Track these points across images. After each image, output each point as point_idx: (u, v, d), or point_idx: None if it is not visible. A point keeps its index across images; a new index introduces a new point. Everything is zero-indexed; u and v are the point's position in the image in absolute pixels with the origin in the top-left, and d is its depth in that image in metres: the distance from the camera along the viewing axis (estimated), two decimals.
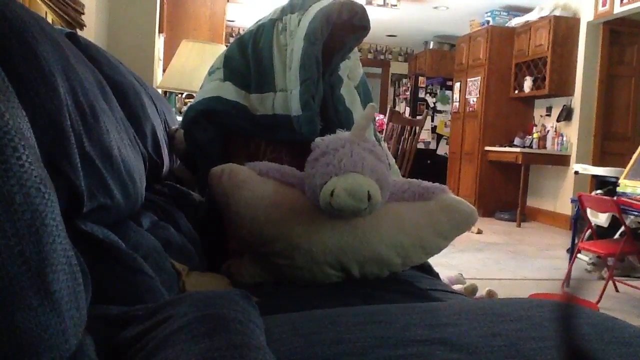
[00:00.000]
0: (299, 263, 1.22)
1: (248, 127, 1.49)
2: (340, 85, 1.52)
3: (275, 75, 1.48)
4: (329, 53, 1.47)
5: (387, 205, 1.25)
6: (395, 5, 6.59)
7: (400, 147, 4.31)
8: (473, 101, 7.31)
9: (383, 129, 4.39)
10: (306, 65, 1.39)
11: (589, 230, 3.64)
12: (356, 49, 1.60)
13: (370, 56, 10.15)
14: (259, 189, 1.28)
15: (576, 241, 3.69)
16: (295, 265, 1.23)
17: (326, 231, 1.21)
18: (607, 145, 6.21)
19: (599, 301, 3.15)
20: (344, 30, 1.47)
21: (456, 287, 3.02)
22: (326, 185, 1.12)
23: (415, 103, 9.01)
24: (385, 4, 6.52)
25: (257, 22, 1.61)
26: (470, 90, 7.39)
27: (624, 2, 5.48)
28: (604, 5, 5.80)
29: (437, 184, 1.34)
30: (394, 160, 1.72)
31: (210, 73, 1.60)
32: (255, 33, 1.56)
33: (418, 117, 5.12)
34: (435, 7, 7.33)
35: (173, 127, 1.96)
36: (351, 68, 1.59)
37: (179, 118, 3.01)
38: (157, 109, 1.78)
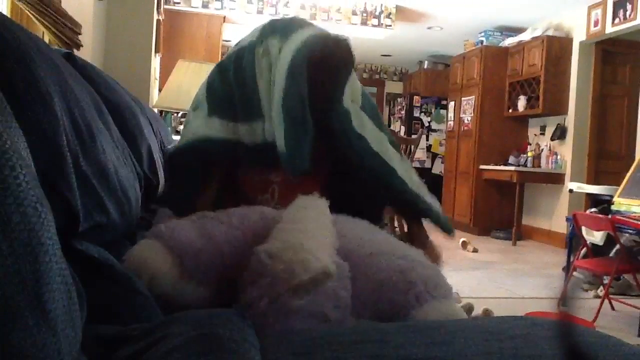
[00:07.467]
0: None
1: (240, 159, 1.46)
2: (348, 119, 1.46)
3: (262, 100, 1.43)
4: (323, 82, 1.42)
5: None
6: (390, 26, 6.66)
7: None
8: (467, 120, 7.35)
9: None
10: (289, 105, 1.34)
11: (585, 249, 3.64)
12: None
13: (365, 75, 10.21)
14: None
15: (572, 259, 3.69)
16: None
17: None
18: (601, 164, 6.24)
19: (595, 319, 3.14)
20: (332, 62, 1.44)
21: None
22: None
23: (410, 122, 9.06)
24: (380, 24, 6.58)
25: (236, 45, 1.55)
26: (465, 109, 7.43)
27: (615, 22, 5.55)
28: (595, 25, 5.88)
29: None
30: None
31: (194, 109, 1.54)
32: (234, 60, 1.50)
33: (413, 136, 5.15)
34: (430, 28, 7.40)
35: (169, 147, 1.97)
36: (350, 87, 1.52)
37: (175, 137, 3.02)
38: (153, 129, 1.79)
